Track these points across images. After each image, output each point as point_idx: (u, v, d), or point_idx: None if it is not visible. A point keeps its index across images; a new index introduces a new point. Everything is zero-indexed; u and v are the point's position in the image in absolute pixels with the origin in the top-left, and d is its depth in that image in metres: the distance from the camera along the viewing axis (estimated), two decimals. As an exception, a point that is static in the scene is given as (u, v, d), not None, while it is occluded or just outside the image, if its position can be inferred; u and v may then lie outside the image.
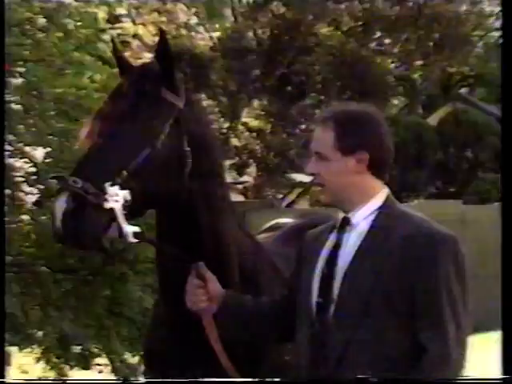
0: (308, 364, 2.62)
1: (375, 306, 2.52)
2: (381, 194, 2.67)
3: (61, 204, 2.61)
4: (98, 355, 6.02)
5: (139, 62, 3.21)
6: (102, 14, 7.08)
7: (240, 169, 18.04)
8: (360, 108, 2.75)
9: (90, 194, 2.59)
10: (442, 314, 2.50)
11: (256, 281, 3.17)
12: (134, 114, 2.83)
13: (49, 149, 5.68)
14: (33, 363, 6.55)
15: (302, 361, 2.65)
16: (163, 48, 2.91)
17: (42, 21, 5.81)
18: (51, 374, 6.05)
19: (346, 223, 2.67)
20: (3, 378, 3.83)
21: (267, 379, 2.88)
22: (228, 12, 18.42)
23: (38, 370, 6.48)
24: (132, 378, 5.78)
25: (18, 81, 5.73)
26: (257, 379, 2.90)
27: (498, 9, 20.22)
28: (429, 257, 2.52)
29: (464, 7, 20.06)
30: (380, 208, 2.65)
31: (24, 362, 6.87)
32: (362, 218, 2.64)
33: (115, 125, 2.81)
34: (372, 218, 2.64)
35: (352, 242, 2.63)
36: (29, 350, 6.26)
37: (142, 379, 5.37)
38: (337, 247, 2.65)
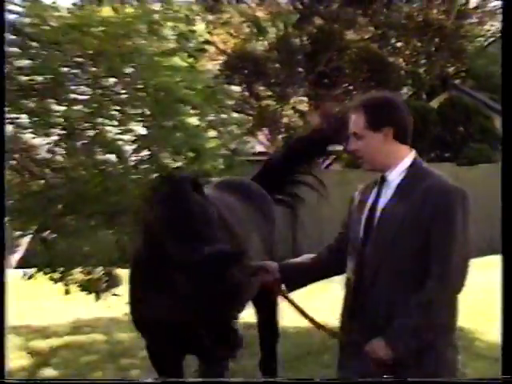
0: (353, 277, 2.86)
1: (399, 242, 2.77)
2: (410, 155, 2.88)
3: None
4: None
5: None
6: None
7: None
8: (382, 94, 2.97)
9: None
10: (450, 245, 2.68)
11: (208, 231, 3.19)
12: None
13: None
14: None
15: (350, 273, 2.87)
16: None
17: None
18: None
19: (383, 180, 2.88)
20: (3, 377, 3.58)
21: (267, 379, 2.72)
22: (281, 25, 19.16)
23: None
24: (135, 379, 5.51)
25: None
26: (257, 379, 2.67)
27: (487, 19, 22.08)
28: (443, 202, 2.72)
29: (458, 21, 21.12)
30: (410, 167, 2.87)
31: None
32: (396, 175, 2.86)
33: None
34: (403, 174, 2.85)
35: (388, 194, 2.87)
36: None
37: (142, 379, 4.97)
38: (377, 198, 2.90)
